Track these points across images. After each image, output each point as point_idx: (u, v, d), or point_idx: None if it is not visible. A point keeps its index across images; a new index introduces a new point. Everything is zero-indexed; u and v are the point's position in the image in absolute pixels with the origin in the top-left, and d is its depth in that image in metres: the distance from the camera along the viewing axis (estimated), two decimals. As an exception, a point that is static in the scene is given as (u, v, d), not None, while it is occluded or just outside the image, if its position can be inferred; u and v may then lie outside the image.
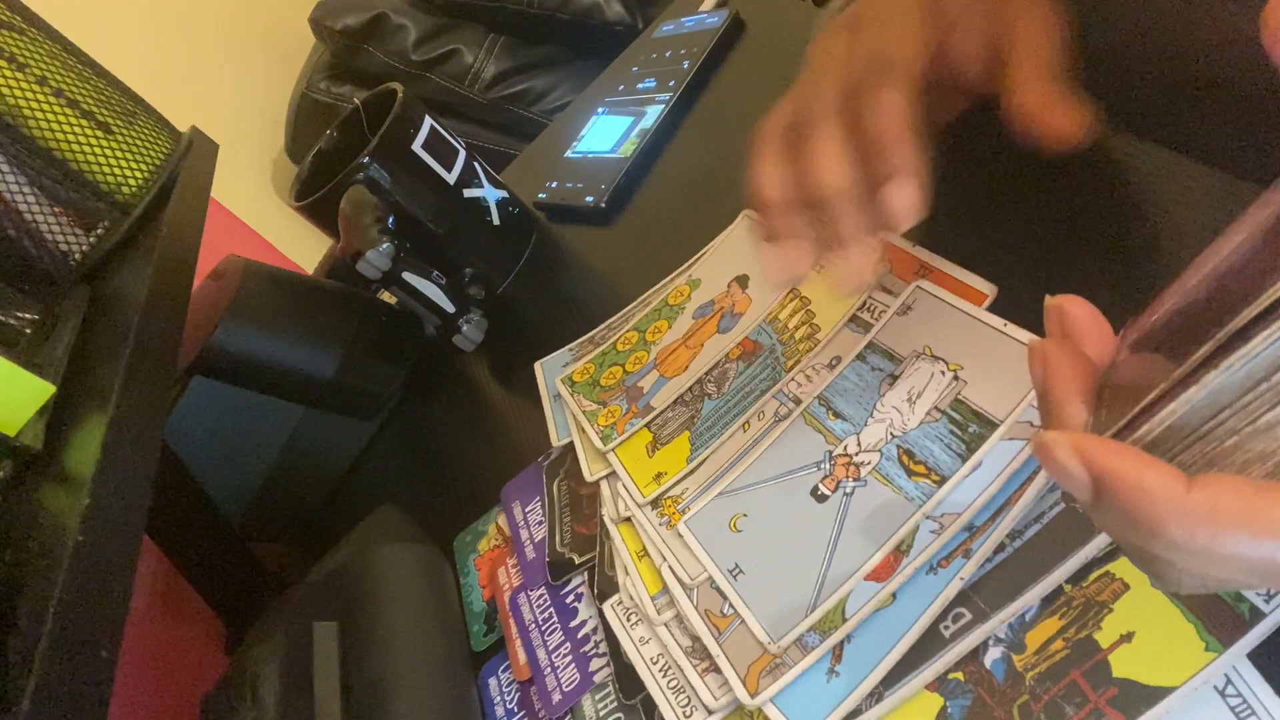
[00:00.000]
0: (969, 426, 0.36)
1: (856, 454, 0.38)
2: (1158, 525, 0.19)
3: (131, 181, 0.54)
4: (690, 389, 0.47)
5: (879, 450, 0.38)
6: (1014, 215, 0.42)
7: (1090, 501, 0.20)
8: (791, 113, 0.37)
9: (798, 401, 0.42)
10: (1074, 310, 0.24)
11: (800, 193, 0.35)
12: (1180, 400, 0.19)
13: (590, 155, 0.70)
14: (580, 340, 0.57)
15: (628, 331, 0.54)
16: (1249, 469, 0.19)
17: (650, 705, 0.38)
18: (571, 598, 0.44)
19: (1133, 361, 0.22)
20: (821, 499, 0.38)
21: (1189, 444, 0.20)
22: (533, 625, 0.45)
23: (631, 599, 0.41)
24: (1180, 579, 0.21)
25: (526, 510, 0.50)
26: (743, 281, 0.50)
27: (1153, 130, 0.39)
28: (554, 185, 0.70)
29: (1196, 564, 0.20)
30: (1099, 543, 0.31)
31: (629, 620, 0.41)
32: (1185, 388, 0.19)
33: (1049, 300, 0.24)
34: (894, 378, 0.40)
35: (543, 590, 0.46)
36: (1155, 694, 0.28)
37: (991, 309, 0.39)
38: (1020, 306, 0.39)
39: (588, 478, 0.47)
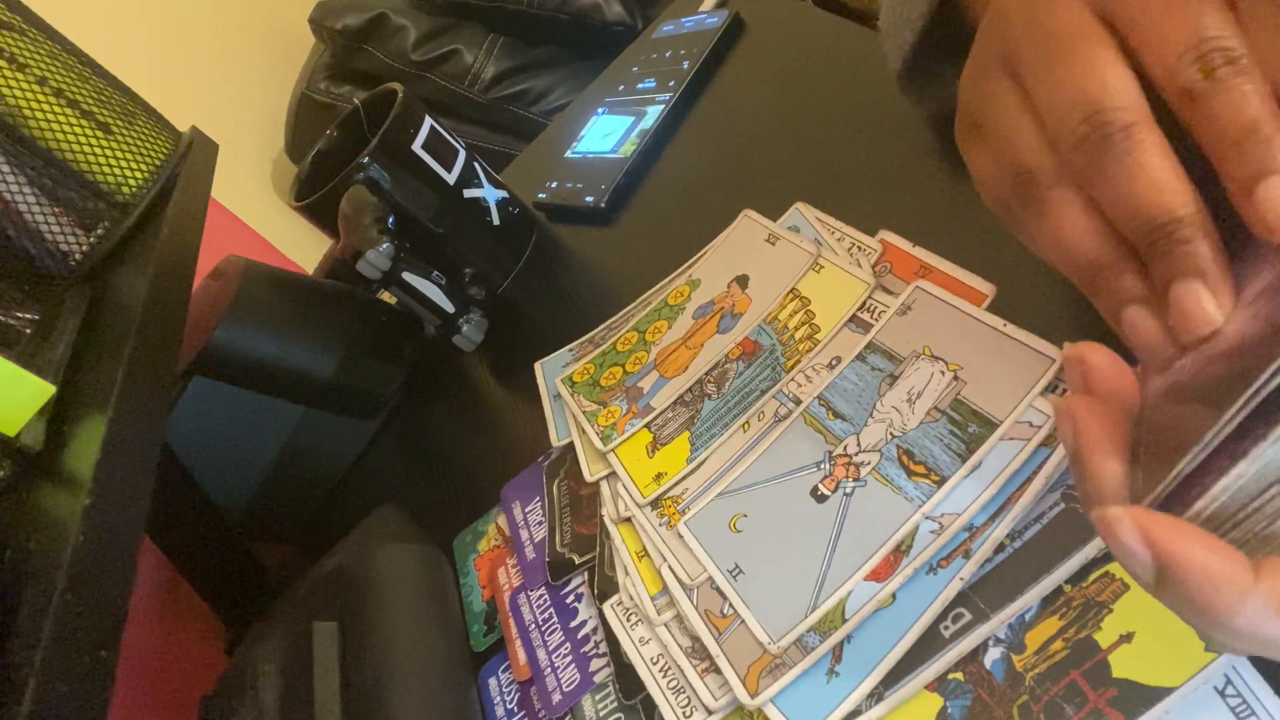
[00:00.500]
0: (969, 427, 0.36)
1: (856, 454, 0.38)
2: (1224, 616, 0.18)
3: (131, 181, 0.54)
4: (690, 389, 0.47)
5: (879, 450, 0.38)
6: (1014, 215, 0.42)
7: (1153, 583, 0.19)
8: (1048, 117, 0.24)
9: (798, 402, 0.42)
10: (1096, 360, 0.23)
11: (1128, 229, 0.22)
12: (1232, 475, 0.19)
13: (590, 155, 0.70)
14: (580, 340, 0.57)
15: (628, 331, 0.54)
16: None
17: (650, 705, 0.38)
18: (571, 598, 0.44)
19: (1166, 412, 0.21)
20: (821, 499, 0.38)
21: (1239, 520, 0.19)
22: (533, 625, 0.45)
23: (631, 599, 0.41)
24: (1221, 645, 0.20)
25: (526, 510, 0.50)
26: (743, 281, 0.50)
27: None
28: (554, 185, 0.70)
29: (1255, 647, 0.19)
30: (1099, 543, 0.31)
31: (629, 620, 0.41)
32: (1234, 460, 0.19)
33: (1068, 350, 0.23)
34: (894, 378, 0.40)
35: (543, 590, 0.46)
36: (1155, 694, 0.28)
37: (991, 309, 0.39)
38: (1020, 306, 0.39)
39: (588, 478, 0.47)
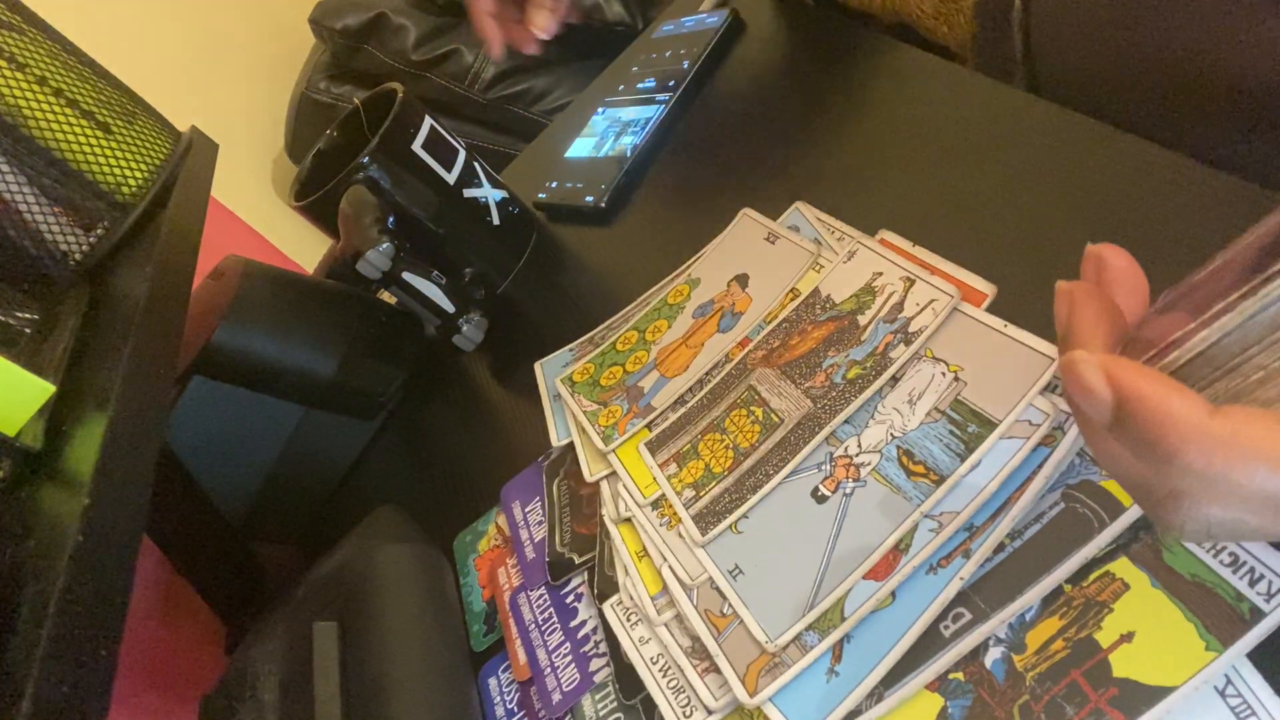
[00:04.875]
0: (968, 426, 0.36)
1: (857, 455, 0.38)
2: (1177, 449, 0.19)
3: (131, 181, 0.54)
4: (691, 389, 0.47)
5: (879, 451, 0.38)
6: (1014, 215, 0.42)
7: (1110, 423, 0.20)
8: None
9: (798, 401, 0.42)
10: (1112, 259, 0.23)
11: None
12: (1214, 328, 0.19)
13: (590, 155, 0.70)
14: (580, 340, 0.57)
15: (628, 331, 0.54)
16: (1273, 406, 0.19)
17: (650, 705, 0.38)
18: (571, 598, 0.44)
19: (1160, 321, 0.22)
20: (821, 500, 0.38)
21: (1215, 378, 0.20)
22: (533, 625, 0.45)
23: (631, 599, 0.41)
24: (1185, 522, 0.21)
25: (526, 510, 0.50)
26: (742, 281, 0.50)
27: (1160, 133, 0.39)
28: (554, 185, 0.70)
29: (1208, 497, 0.20)
30: (1099, 542, 0.31)
31: (629, 620, 0.41)
32: (1219, 317, 0.19)
33: (1090, 247, 0.24)
34: (895, 379, 0.40)
35: (543, 590, 0.46)
36: (1155, 694, 0.28)
37: (991, 309, 0.39)
38: (1020, 306, 0.39)
39: (588, 478, 0.47)
